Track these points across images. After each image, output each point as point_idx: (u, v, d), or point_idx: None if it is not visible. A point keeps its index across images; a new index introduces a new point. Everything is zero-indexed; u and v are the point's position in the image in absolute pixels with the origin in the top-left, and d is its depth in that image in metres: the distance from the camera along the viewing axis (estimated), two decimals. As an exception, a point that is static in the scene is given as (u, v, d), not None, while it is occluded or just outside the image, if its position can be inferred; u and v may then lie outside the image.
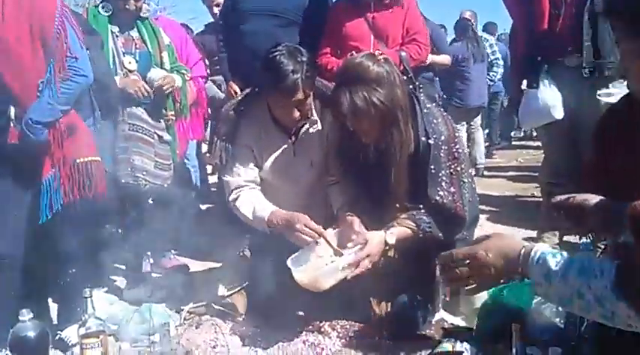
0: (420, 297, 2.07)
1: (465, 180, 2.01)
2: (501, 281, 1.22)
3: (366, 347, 2.00)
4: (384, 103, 1.86)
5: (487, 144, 6.58)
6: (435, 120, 1.97)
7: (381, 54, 2.01)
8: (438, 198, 1.96)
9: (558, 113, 2.75)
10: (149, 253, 3.09)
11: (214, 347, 1.96)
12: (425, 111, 1.98)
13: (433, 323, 2.10)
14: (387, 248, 1.97)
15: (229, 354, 1.93)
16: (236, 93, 2.88)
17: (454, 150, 1.98)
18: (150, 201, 2.79)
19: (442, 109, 2.22)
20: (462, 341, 1.81)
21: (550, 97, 2.75)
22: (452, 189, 1.97)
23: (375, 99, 1.84)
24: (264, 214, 2.09)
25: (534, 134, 5.51)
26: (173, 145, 2.85)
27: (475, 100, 5.54)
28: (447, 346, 1.82)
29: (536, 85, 2.76)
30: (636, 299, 0.88)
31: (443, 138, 1.95)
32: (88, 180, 2.01)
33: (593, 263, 1.00)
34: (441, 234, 1.97)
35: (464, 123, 5.49)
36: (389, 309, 2.05)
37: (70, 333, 2.14)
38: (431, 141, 1.94)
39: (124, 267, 2.90)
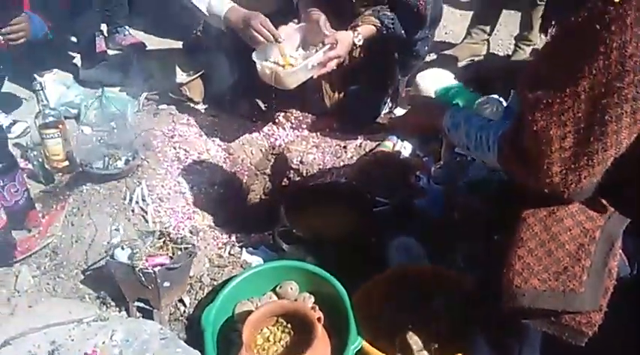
0: (377, 92, 2.14)
1: (431, -27, 1.87)
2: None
3: (318, 137, 2.13)
4: None
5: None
6: None
7: None
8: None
9: None
10: (102, 29, 2.96)
11: (172, 138, 2.04)
12: None
13: (382, 115, 2.21)
14: (354, 48, 1.93)
15: (187, 143, 2.03)
16: None
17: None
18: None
19: None
20: (402, 140, 1.94)
21: None
22: (416, -14, 1.86)
23: None
24: (221, 10, 1.91)
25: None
26: None
27: None
28: (388, 144, 1.95)
29: None
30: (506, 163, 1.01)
31: None
32: None
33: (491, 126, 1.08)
34: (403, 32, 1.93)
35: None
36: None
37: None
38: None
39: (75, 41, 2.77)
